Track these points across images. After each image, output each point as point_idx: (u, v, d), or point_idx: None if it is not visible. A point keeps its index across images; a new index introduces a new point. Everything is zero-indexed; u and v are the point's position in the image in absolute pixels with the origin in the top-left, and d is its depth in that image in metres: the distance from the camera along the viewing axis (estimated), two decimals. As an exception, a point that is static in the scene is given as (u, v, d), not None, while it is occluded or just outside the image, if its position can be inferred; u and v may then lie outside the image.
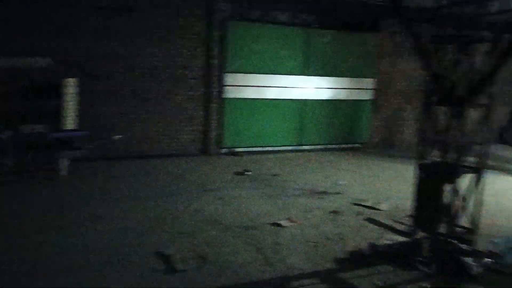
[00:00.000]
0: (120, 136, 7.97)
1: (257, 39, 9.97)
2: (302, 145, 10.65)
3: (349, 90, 11.09)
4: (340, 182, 6.98)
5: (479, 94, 3.58)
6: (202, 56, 9.52)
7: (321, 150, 10.66)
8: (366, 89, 11.23)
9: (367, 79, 11.17)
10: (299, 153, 10.04)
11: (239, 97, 10.02)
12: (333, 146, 10.89)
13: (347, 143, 11.13)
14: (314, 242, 4.28)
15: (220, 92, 9.73)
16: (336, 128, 11.12)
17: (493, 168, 8.45)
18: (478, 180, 3.82)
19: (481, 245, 3.99)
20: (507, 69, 11.95)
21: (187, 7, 9.28)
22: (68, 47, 8.41)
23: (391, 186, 6.79)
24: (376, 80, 11.21)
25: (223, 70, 9.69)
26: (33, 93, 7.34)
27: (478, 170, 3.78)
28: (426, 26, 3.88)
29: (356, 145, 11.18)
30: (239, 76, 9.93)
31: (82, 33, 8.58)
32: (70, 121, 7.08)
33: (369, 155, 10.17)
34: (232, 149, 9.97)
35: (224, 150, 9.86)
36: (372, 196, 6.06)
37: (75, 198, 5.51)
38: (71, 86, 7.16)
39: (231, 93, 9.88)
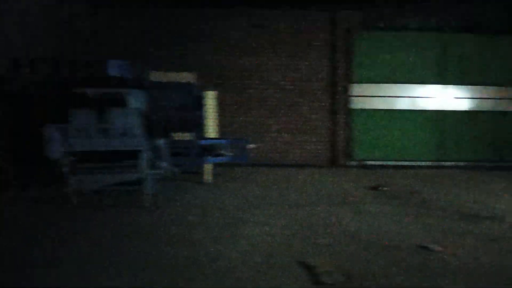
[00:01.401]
0: (254, 145, 8.37)
1: (386, 47, 9.53)
2: (441, 160, 9.71)
3: (495, 100, 9.74)
4: (498, 206, 6.07)
5: None
6: (327, 67, 9.48)
7: (464, 167, 9.55)
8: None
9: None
10: (439, 170, 9.15)
11: (368, 108, 9.68)
12: (480, 163, 9.64)
13: (497, 161, 9.74)
14: (471, 273, 3.75)
15: (347, 102, 9.52)
16: (483, 144, 9.84)
17: None
18: None
19: None
20: None
21: (311, 18, 9.38)
22: (208, 62, 9.30)
23: None
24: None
25: (349, 80, 9.48)
26: (180, 104, 8.18)
27: None
28: None
29: (509, 163, 9.69)
30: (367, 86, 9.61)
31: (220, 48, 9.40)
32: (211, 130, 7.71)
33: (526, 175, 8.70)
34: (362, 161, 9.61)
35: (353, 162, 9.58)
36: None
37: (223, 200, 5.98)
38: (212, 98, 7.81)
39: (359, 104, 9.60)
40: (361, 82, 9.57)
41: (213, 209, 5.73)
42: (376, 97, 9.70)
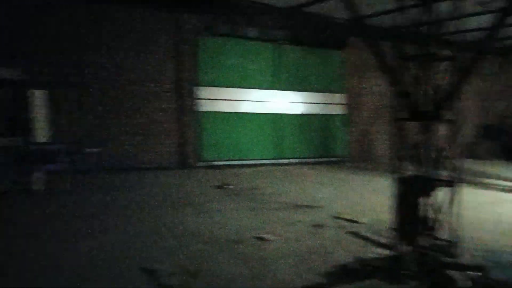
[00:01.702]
0: (96, 150, 7.79)
1: (229, 53, 10.12)
2: (280, 158, 10.77)
3: (320, 104, 11.38)
4: (320, 196, 7.08)
5: (445, 109, 3.78)
6: (174, 70, 9.53)
7: (299, 163, 10.81)
8: (337, 104, 11.58)
9: (337, 94, 11.54)
10: (277, 167, 10.12)
11: (214, 110, 10.08)
12: (311, 159, 11.09)
13: (324, 157, 11.36)
14: (300, 256, 4.31)
15: (194, 105, 9.74)
16: (312, 142, 11.34)
17: (465, 181, 8.85)
18: (453, 193, 3.99)
19: (464, 258, 4.14)
20: (471, 86, 12.61)
21: (158, 20, 9.30)
22: (40, 57, 8.22)
23: (371, 199, 6.96)
24: (346, 95, 11.57)
25: (196, 83, 9.73)
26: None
27: (452, 183, 3.94)
28: (389, 44, 4.07)
29: (333, 159, 11.42)
30: (213, 89, 10.01)
31: (58, 43, 8.42)
32: (43, 134, 6.87)
33: (346, 168, 10.39)
34: (211, 162, 9.94)
35: (202, 163, 9.83)
36: (353, 210, 6.18)
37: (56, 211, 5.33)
38: (40, 98, 6.96)
39: (206, 106, 9.91)
40: (207, 86, 9.89)
41: (41, 221, 5.10)
42: (222, 100, 10.16)
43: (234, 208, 6.04)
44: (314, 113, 11.29)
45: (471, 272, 3.59)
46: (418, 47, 3.99)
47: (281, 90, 10.84)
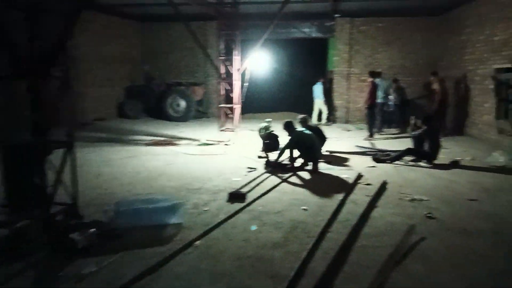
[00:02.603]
0: None
1: None
2: None
3: None
4: None
5: (52, 65, 3.53)
6: None
7: None
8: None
9: None
10: None
11: None
12: None
13: None
14: None
15: None
16: None
17: (111, 140, 9.21)
18: (70, 154, 3.87)
19: (96, 216, 4.14)
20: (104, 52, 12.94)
21: None
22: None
23: None
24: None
25: None
26: None
27: (69, 145, 3.81)
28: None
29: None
30: None
31: None
32: None
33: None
34: None
35: None
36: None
37: None
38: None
39: None
40: None
41: None
42: None
43: None
44: None
45: (91, 230, 3.62)
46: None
47: None
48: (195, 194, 5.23)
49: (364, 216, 4.45)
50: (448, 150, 8.19)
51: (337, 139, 9.77)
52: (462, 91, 10.77)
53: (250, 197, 5.07)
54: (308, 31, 14.34)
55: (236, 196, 5.00)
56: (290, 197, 5.19)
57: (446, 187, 5.77)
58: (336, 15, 12.98)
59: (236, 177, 6.13)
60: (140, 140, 9.45)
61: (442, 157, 7.26)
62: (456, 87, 11.07)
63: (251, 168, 6.67)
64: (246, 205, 4.78)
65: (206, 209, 4.66)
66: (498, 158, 7.50)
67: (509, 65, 8.25)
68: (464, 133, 10.65)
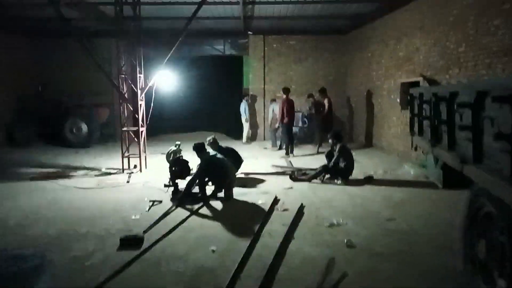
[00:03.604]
0: None
1: None
2: None
3: None
4: None
5: None
6: None
7: None
8: None
9: None
10: None
11: None
12: None
13: None
14: None
15: None
16: None
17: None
18: None
19: None
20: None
21: None
22: None
23: None
24: None
25: None
26: None
27: None
28: None
29: None
30: None
31: None
32: None
33: None
34: None
35: None
36: None
37: None
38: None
39: None
40: None
41: None
42: None
43: None
44: None
45: None
46: None
47: None
48: (79, 242, 4.25)
49: (280, 253, 3.89)
50: (360, 164, 8.15)
51: (255, 158, 9.31)
52: (371, 105, 11.07)
53: (148, 239, 4.25)
54: (222, 48, 13.95)
55: (130, 241, 4.12)
56: (197, 234, 4.47)
57: (361, 206, 5.54)
58: (249, 33, 12.77)
59: (136, 213, 5.24)
60: (25, 173, 7.98)
61: (355, 171, 7.14)
62: (366, 101, 11.37)
63: (155, 201, 5.81)
64: (143, 252, 3.94)
65: (88, 263, 3.72)
66: (409, 170, 7.62)
67: (413, 79, 8.43)
68: (373, 145, 10.91)
